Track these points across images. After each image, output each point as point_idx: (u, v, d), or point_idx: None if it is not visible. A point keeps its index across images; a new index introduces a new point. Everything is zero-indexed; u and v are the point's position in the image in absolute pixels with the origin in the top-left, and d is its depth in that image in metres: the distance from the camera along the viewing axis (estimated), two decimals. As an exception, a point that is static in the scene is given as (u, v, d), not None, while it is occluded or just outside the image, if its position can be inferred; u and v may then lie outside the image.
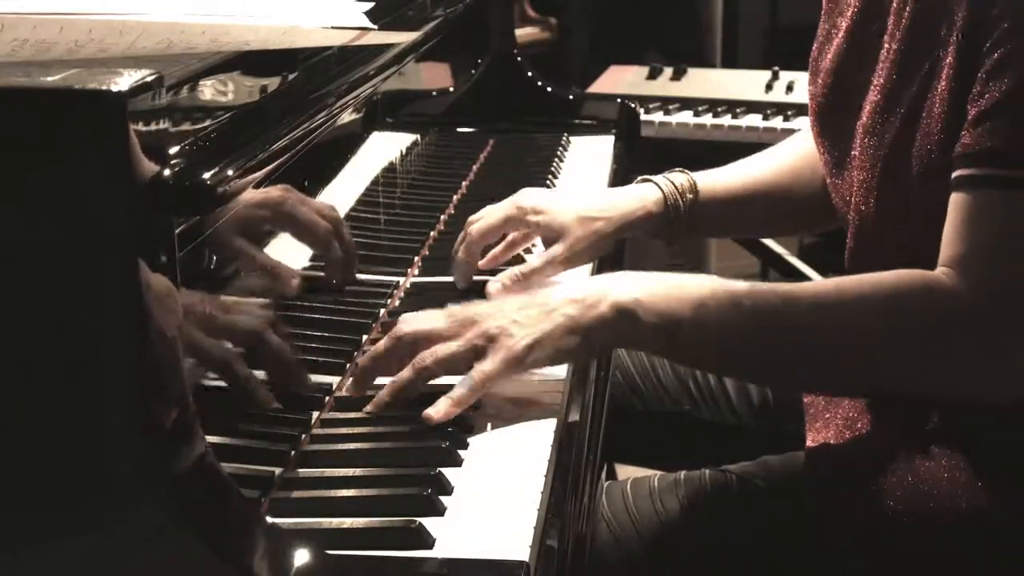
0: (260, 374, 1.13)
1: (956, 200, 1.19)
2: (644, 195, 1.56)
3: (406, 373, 1.17)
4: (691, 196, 1.57)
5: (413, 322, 1.20)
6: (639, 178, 1.60)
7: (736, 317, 1.19)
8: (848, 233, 1.37)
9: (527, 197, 1.54)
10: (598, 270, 1.54)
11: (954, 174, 1.20)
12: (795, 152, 1.62)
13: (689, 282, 1.21)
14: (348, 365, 1.28)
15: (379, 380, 1.21)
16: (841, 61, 1.40)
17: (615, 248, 1.59)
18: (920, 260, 1.22)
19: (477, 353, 1.16)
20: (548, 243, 1.52)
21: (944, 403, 1.29)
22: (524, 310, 1.19)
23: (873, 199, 1.30)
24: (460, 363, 1.16)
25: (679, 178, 1.58)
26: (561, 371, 1.27)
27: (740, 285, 1.21)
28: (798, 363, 1.23)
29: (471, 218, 1.53)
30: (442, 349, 1.17)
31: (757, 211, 1.64)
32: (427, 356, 1.17)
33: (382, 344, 1.20)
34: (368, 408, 1.17)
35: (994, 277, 1.17)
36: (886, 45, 1.32)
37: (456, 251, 1.51)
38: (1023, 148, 1.17)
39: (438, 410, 1.13)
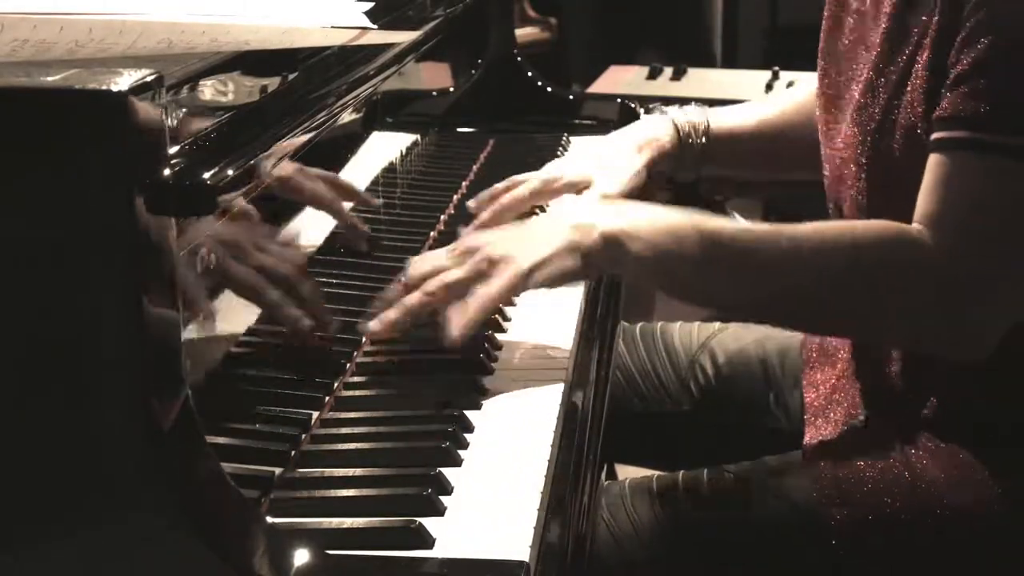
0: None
1: (933, 160, 1.23)
2: (660, 132, 1.63)
3: (415, 296, 1.22)
4: (703, 131, 1.64)
5: (419, 264, 1.26)
6: (657, 108, 1.66)
7: (716, 251, 1.25)
8: (829, 202, 1.42)
9: (554, 168, 1.61)
10: (594, 291, 1.53)
11: (932, 136, 1.24)
12: (806, 94, 1.64)
13: (676, 216, 1.26)
14: (348, 365, 1.28)
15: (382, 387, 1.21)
16: (835, 39, 1.42)
17: None
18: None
19: (481, 276, 1.21)
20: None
21: (901, 349, 1.34)
22: (523, 235, 1.25)
23: (864, 175, 1.33)
24: (466, 285, 1.22)
25: (694, 114, 1.65)
26: (561, 371, 1.27)
27: (723, 222, 1.27)
28: (772, 298, 1.28)
29: (498, 186, 1.58)
30: (449, 275, 1.23)
31: (768, 150, 1.69)
32: (434, 281, 1.22)
33: (394, 287, 1.26)
34: (373, 324, 1.23)
35: (963, 236, 1.22)
36: (876, 21, 1.33)
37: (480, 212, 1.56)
38: (997, 113, 1.20)
39: (455, 326, 1.18)
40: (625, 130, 1.67)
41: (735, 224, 1.29)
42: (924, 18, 1.26)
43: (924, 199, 1.24)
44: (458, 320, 1.19)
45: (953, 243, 1.22)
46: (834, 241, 1.27)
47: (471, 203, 1.60)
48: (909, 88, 1.27)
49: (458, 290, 1.22)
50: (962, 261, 1.22)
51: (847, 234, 1.27)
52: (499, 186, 1.59)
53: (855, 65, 1.37)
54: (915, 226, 1.24)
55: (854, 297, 1.26)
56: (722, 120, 1.66)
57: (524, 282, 1.22)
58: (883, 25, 1.32)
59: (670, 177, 1.67)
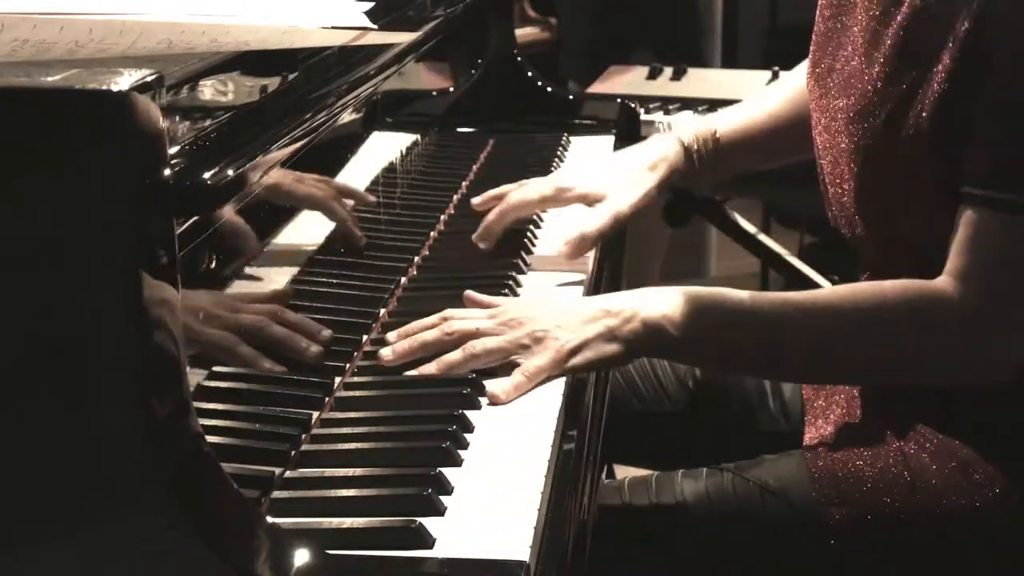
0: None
1: (965, 215, 1.25)
2: (669, 151, 1.64)
3: (457, 355, 1.24)
4: (712, 143, 1.65)
5: (463, 321, 1.27)
6: (663, 128, 1.67)
7: (756, 330, 1.28)
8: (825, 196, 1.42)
9: (566, 177, 1.62)
10: (596, 279, 1.54)
11: (963, 188, 1.25)
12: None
13: (713, 298, 1.28)
14: (348, 365, 1.28)
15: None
16: (822, 41, 1.43)
17: (616, 258, 1.63)
18: (895, 239, 1.33)
19: (521, 349, 1.24)
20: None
21: (928, 384, 1.36)
22: (565, 317, 1.26)
23: (851, 179, 1.34)
24: (506, 356, 1.24)
25: (700, 127, 1.66)
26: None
27: (759, 299, 1.29)
28: (811, 367, 1.35)
29: (509, 187, 1.61)
30: (492, 341, 1.24)
31: (775, 142, 1.70)
32: (478, 344, 1.24)
33: (431, 335, 1.26)
34: (386, 352, 1.26)
35: (990, 288, 1.24)
36: (875, 36, 1.32)
37: (486, 213, 1.59)
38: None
39: (503, 390, 1.20)
40: (635, 147, 1.68)
41: (767, 296, 1.32)
42: (937, 42, 1.26)
43: (955, 253, 1.26)
44: (508, 387, 1.20)
45: (981, 293, 1.24)
46: (867, 306, 1.29)
47: (476, 200, 1.61)
48: (913, 112, 1.27)
49: (497, 357, 1.24)
50: (990, 305, 1.25)
51: (878, 297, 1.29)
52: (508, 186, 1.60)
53: (850, 74, 1.35)
54: (943, 279, 1.26)
55: (889, 356, 1.30)
56: (730, 124, 1.67)
57: (563, 366, 1.24)
58: (888, 39, 1.31)
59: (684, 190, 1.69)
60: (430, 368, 1.25)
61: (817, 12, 1.48)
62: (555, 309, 1.28)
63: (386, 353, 1.26)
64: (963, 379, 1.30)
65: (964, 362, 1.28)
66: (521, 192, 1.59)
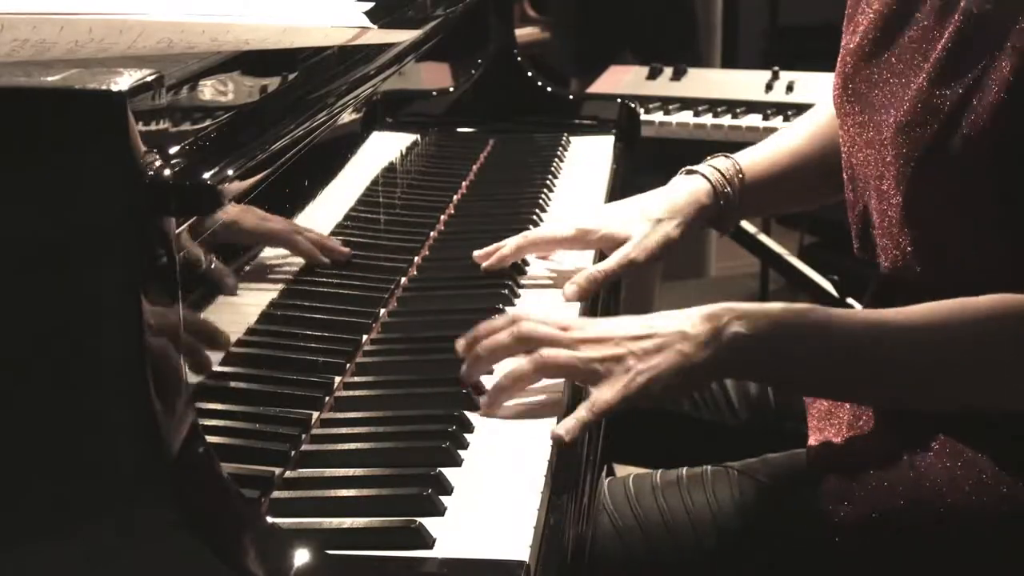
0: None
1: None
2: (695, 190, 1.59)
3: (527, 366, 1.20)
4: (738, 181, 1.60)
5: (537, 327, 1.23)
6: (684, 170, 1.63)
7: (834, 354, 1.23)
8: (856, 222, 1.39)
9: (589, 219, 1.59)
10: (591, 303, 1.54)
11: None
12: (831, 115, 1.61)
13: (796, 318, 1.23)
14: (348, 365, 1.28)
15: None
16: (873, 44, 1.39)
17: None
18: (945, 255, 1.27)
19: (592, 373, 1.20)
20: (612, 250, 1.55)
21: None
22: (640, 342, 1.21)
23: (899, 194, 1.30)
24: (576, 377, 1.22)
25: (724, 164, 1.61)
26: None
27: (838, 319, 1.24)
28: (895, 395, 1.28)
29: (534, 231, 1.59)
30: (565, 357, 1.20)
31: (802, 181, 1.65)
32: (550, 358, 1.20)
33: (504, 337, 1.23)
34: (487, 391, 1.22)
35: None
36: (926, 39, 1.30)
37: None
38: None
39: (567, 429, 1.15)
40: (662, 189, 1.63)
41: (850, 317, 1.26)
42: (988, 51, 1.22)
43: None
44: (571, 424, 1.16)
45: None
46: (958, 331, 1.22)
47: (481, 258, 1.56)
48: (969, 118, 1.23)
49: (566, 374, 1.22)
50: None
51: (971, 320, 1.22)
52: (537, 230, 1.59)
53: (903, 79, 1.34)
54: None
55: (988, 382, 1.24)
56: (754, 161, 1.62)
57: (632, 398, 1.20)
58: (939, 44, 1.28)
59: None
60: (503, 380, 1.21)
61: (844, 25, 1.46)
62: (629, 328, 1.23)
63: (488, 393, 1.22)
64: None
65: None
66: (541, 231, 1.57)
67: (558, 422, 1.17)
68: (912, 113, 1.28)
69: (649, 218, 1.56)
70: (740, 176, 1.60)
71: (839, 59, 1.46)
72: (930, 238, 1.29)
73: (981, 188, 1.24)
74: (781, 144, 1.66)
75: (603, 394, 1.19)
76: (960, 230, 1.26)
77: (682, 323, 1.22)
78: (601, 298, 1.53)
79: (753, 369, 1.26)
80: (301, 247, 1.34)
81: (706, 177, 1.60)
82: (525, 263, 1.59)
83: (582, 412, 1.17)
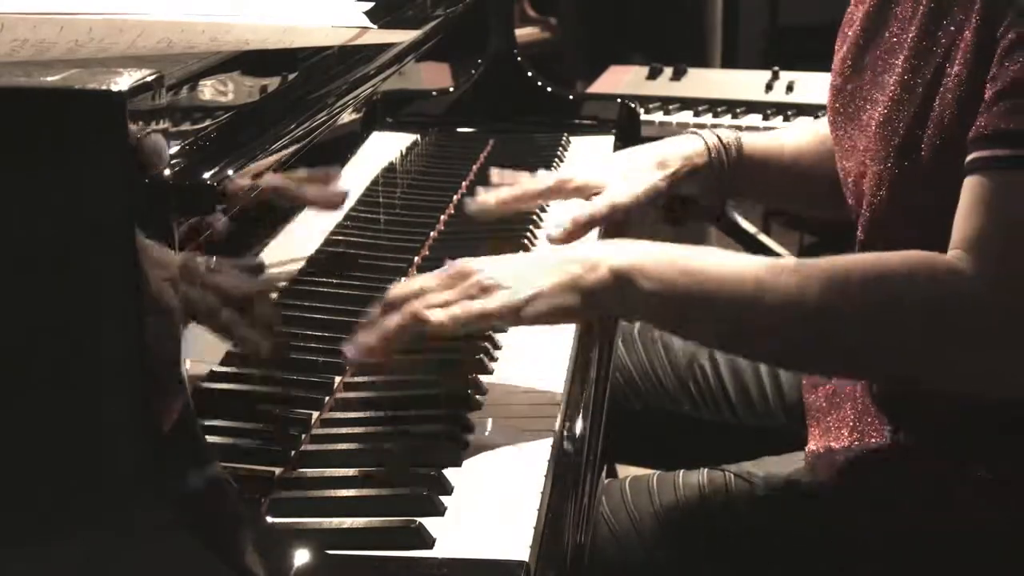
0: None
1: (970, 183, 1.15)
2: (689, 147, 1.58)
3: (394, 318, 1.15)
4: (735, 152, 1.59)
5: (402, 285, 1.19)
6: (688, 129, 1.62)
7: (736, 292, 1.16)
8: (858, 229, 1.37)
9: (567, 169, 1.58)
10: None
11: (969, 157, 1.16)
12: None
13: (691, 252, 1.19)
14: (348, 365, 1.28)
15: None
16: (857, 53, 1.40)
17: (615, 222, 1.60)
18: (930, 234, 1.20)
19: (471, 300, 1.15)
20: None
21: (946, 388, 1.24)
22: (520, 266, 1.18)
23: (886, 191, 1.29)
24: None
25: (725, 133, 1.60)
26: (561, 371, 1.27)
27: (744, 259, 1.19)
28: (796, 346, 1.20)
29: (521, 175, 1.56)
30: (434, 296, 1.15)
31: (802, 178, 1.64)
32: (419, 302, 1.15)
33: (374, 311, 1.18)
34: (348, 349, 1.15)
35: (1008, 260, 1.13)
36: (901, 35, 1.31)
37: (491, 191, 1.53)
38: None
39: (436, 316, 1.12)
40: (651, 144, 1.61)
41: (755, 260, 1.19)
42: (953, 29, 1.22)
43: (961, 223, 1.15)
44: (444, 313, 1.12)
45: (995, 270, 1.12)
46: (862, 278, 1.16)
47: (479, 197, 1.54)
48: (938, 102, 1.22)
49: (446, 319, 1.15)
50: (1004, 289, 1.12)
51: (877, 268, 1.17)
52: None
53: (882, 77, 1.34)
54: (952, 252, 1.15)
55: (883, 337, 1.16)
56: (755, 141, 1.61)
57: (516, 314, 1.15)
58: (911, 35, 1.29)
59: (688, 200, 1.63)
60: (367, 338, 1.14)
61: (836, 44, 1.46)
62: (511, 259, 1.20)
63: (350, 351, 1.16)
64: (982, 377, 1.17)
65: (983, 352, 1.14)
66: (522, 184, 1.55)
67: (557, 423, 1.17)
68: (889, 106, 1.28)
69: (636, 167, 1.55)
70: (739, 148, 1.59)
71: (831, 76, 1.46)
72: (925, 237, 1.27)
73: (959, 176, 1.19)
74: (784, 135, 1.66)
75: (483, 301, 1.14)
76: (947, 227, 1.20)
77: (567, 252, 1.21)
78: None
79: (634, 297, 1.17)
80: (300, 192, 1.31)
81: (703, 139, 1.59)
82: (527, 252, 1.59)
83: (455, 308, 1.13)
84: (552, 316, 1.17)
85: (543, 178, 1.57)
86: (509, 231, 1.63)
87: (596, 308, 1.19)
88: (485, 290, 1.15)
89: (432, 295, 1.16)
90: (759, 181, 1.63)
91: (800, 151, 1.63)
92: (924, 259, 1.16)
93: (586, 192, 1.54)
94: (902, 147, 1.26)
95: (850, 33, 1.42)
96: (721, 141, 1.59)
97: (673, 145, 1.59)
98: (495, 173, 1.59)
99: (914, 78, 1.26)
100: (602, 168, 1.57)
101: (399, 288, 1.19)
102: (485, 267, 1.18)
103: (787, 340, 1.19)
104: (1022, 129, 1.14)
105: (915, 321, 1.15)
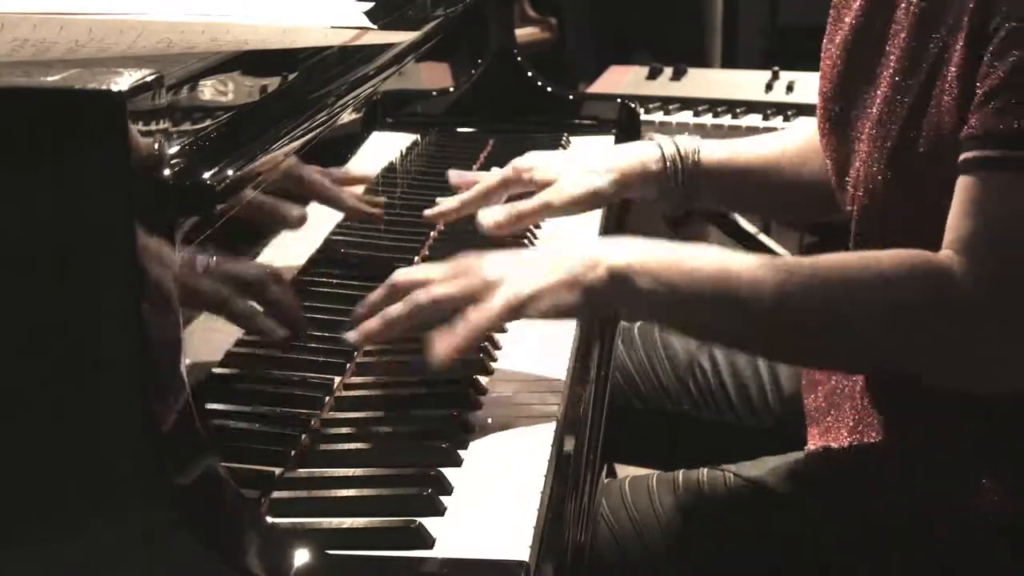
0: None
1: (963, 183, 1.16)
2: (644, 153, 1.58)
3: (398, 307, 1.17)
4: (692, 161, 1.58)
5: (407, 272, 1.21)
6: (647, 135, 1.61)
7: (731, 290, 1.17)
8: (852, 231, 1.37)
9: (525, 159, 1.57)
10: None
11: (961, 157, 1.17)
12: (805, 137, 1.61)
13: (688, 251, 1.21)
14: (348, 365, 1.28)
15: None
16: (848, 57, 1.39)
17: (617, 220, 1.60)
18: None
19: (474, 298, 1.16)
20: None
21: (932, 384, 1.25)
22: (522, 263, 1.20)
23: (879, 192, 1.29)
24: (455, 305, 1.16)
25: (685, 141, 1.60)
26: (561, 371, 1.27)
27: (739, 257, 1.20)
28: (792, 339, 1.21)
29: (481, 174, 1.58)
30: (437, 289, 1.17)
31: (759, 188, 1.64)
32: (421, 294, 1.17)
33: (378, 292, 1.20)
34: (351, 335, 1.18)
35: (999, 262, 1.14)
36: (894, 38, 1.31)
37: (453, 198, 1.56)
38: None
39: (441, 343, 1.13)
40: (615, 147, 1.62)
41: (753, 258, 1.20)
42: (945, 31, 1.22)
43: (954, 223, 1.16)
44: (447, 342, 1.14)
45: (987, 270, 1.14)
46: (858, 276, 1.18)
47: (439, 205, 1.57)
48: (932, 104, 1.23)
49: (446, 307, 1.17)
50: (996, 289, 1.14)
51: (872, 267, 1.19)
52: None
53: (873, 80, 1.34)
54: (944, 252, 1.16)
55: (879, 334, 1.18)
56: (714, 150, 1.61)
57: (518, 311, 1.16)
58: (903, 37, 1.28)
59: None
60: (371, 325, 1.17)
61: (822, 57, 1.46)
62: (512, 256, 1.22)
63: (353, 336, 1.19)
64: (972, 376, 1.19)
65: (969, 351, 1.16)
66: (480, 184, 1.57)
67: (557, 423, 1.17)
68: (881, 108, 1.28)
69: (586, 169, 1.55)
70: (696, 157, 1.58)
71: (819, 83, 1.46)
72: (918, 238, 1.27)
73: (950, 180, 1.19)
74: (749, 144, 1.65)
75: (479, 312, 1.15)
76: (939, 228, 1.21)
77: (567, 249, 1.21)
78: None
79: (632, 296, 1.19)
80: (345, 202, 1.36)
81: (660, 146, 1.58)
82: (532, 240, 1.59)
83: (460, 326, 1.14)
84: (553, 312, 1.18)
85: (505, 169, 1.58)
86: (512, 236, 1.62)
87: (596, 306, 1.20)
88: (488, 286, 1.16)
89: (436, 287, 1.17)
90: (717, 190, 1.63)
91: (764, 160, 1.63)
92: (917, 258, 1.18)
93: (537, 185, 1.54)
94: (895, 149, 1.26)
95: (838, 39, 1.42)
96: (679, 150, 1.58)
97: (631, 151, 1.59)
98: (453, 175, 1.61)
99: (906, 80, 1.26)
100: (560, 164, 1.57)
101: (405, 273, 1.21)
102: (488, 262, 1.19)
103: (784, 336, 1.21)
104: (1012, 130, 1.14)
105: (907, 318, 1.17)
